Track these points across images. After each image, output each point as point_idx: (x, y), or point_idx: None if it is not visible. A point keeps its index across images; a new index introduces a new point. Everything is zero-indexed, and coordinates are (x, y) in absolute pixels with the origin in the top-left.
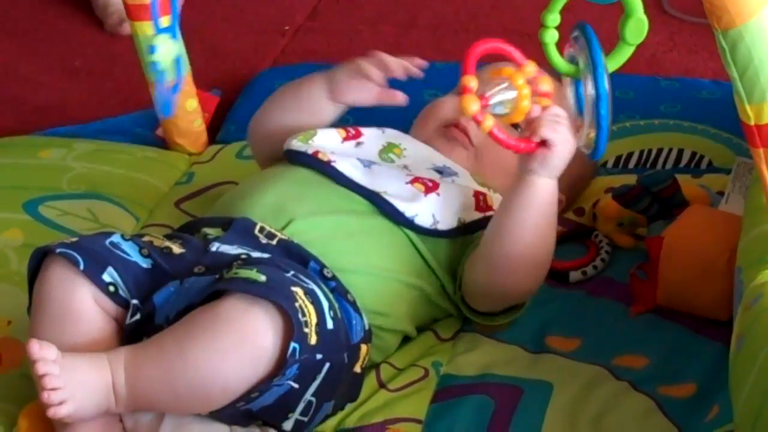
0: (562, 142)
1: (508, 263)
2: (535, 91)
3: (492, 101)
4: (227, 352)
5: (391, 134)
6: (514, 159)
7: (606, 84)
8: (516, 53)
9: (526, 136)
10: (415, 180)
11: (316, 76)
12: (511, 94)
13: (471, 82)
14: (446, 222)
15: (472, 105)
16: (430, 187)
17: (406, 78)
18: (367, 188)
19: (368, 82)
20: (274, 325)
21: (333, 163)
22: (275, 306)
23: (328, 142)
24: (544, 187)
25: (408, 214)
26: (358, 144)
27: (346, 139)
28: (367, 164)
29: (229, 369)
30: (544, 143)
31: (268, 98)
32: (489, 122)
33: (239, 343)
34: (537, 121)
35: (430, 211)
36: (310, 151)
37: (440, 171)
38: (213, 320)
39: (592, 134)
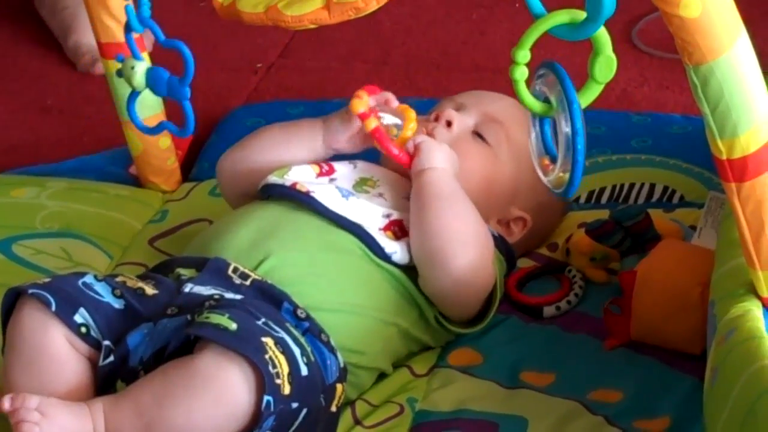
0: (431, 139)
1: (442, 252)
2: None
3: (381, 114)
4: (206, 410)
5: (362, 167)
6: (473, 168)
7: (582, 120)
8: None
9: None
10: (387, 227)
11: (313, 119)
12: (396, 121)
13: (363, 94)
14: None
15: (360, 106)
16: (400, 237)
17: None
18: (349, 219)
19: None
20: (247, 380)
21: (312, 194)
22: (246, 360)
23: (303, 177)
24: (431, 175)
25: (387, 250)
26: (332, 180)
27: (319, 174)
28: (346, 194)
29: (207, 425)
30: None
31: (250, 136)
32: (373, 123)
33: (217, 401)
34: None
35: (406, 251)
36: (287, 184)
37: None
38: (190, 377)
39: (562, 174)
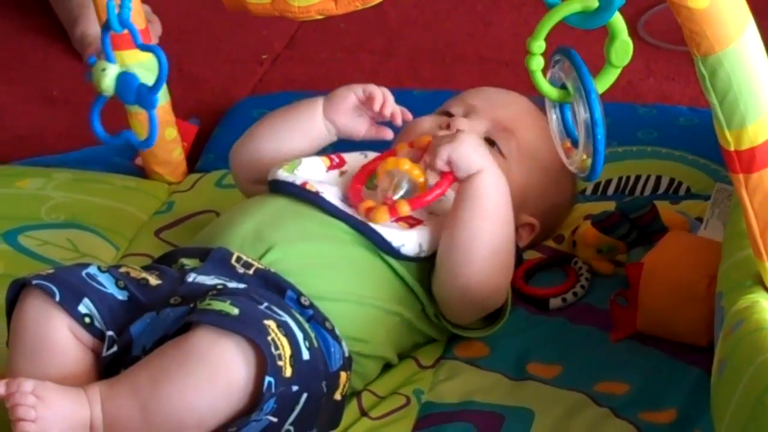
0: (447, 143)
1: (464, 259)
2: (422, 153)
3: (396, 196)
4: (200, 387)
5: (372, 158)
6: None
7: (600, 109)
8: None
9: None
10: (399, 220)
11: (315, 98)
12: (405, 181)
13: (368, 203)
14: (431, 248)
15: (384, 217)
16: (413, 225)
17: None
18: (354, 216)
19: (363, 114)
20: (246, 359)
21: (321, 194)
22: (247, 340)
23: (313, 173)
24: (481, 180)
25: (395, 243)
26: (342, 173)
27: (330, 168)
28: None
29: (203, 403)
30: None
31: (254, 124)
32: (405, 208)
33: (212, 377)
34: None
35: (417, 241)
36: (298, 182)
37: None
38: (184, 355)
39: (585, 157)
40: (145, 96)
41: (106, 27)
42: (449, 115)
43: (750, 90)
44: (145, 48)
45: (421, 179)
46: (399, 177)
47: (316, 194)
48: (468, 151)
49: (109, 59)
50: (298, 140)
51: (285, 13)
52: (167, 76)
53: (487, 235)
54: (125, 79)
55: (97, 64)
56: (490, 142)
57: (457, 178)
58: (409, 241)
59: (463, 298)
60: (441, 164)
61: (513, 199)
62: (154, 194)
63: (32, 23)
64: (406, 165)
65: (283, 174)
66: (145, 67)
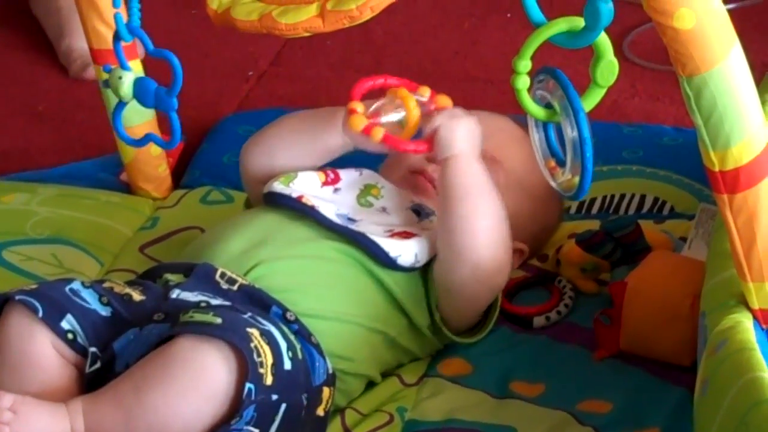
0: (447, 119)
1: (468, 248)
2: (434, 108)
3: (382, 119)
4: (184, 392)
5: (368, 175)
6: None
7: (588, 127)
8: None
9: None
10: (394, 235)
11: (335, 108)
12: (400, 112)
13: (357, 106)
14: (425, 258)
15: (359, 123)
16: (407, 237)
17: None
18: (351, 228)
19: None
20: (228, 364)
21: (317, 208)
22: (229, 345)
23: (308, 187)
24: (453, 165)
25: (392, 254)
26: (336, 190)
27: (325, 183)
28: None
29: (188, 409)
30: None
31: (272, 125)
32: (379, 133)
33: (195, 382)
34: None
35: (413, 251)
36: (294, 195)
37: (418, 211)
38: (167, 362)
39: (571, 176)
40: (163, 99)
41: (116, 37)
42: None
43: (735, 111)
44: (157, 53)
45: (412, 122)
46: (396, 107)
47: (312, 208)
48: (457, 133)
49: (123, 67)
50: (315, 149)
51: (272, 30)
52: (182, 79)
53: (481, 209)
54: (142, 84)
55: (113, 72)
56: None
57: (433, 153)
58: (406, 251)
59: (474, 274)
60: (428, 129)
61: None
62: (139, 210)
63: (17, 38)
64: (411, 102)
65: (279, 186)
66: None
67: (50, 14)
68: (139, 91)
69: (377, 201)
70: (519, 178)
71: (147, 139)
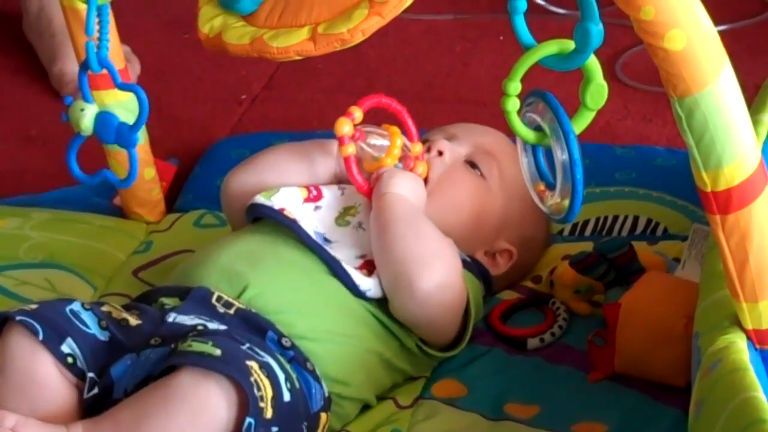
0: (399, 171)
1: (404, 276)
2: (412, 164)
3: (366, 139)
4: (183, 428)
5: (350, 194)
6: (464, 198)
7: (579, 150)
8: (410, 123)
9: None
10: (363, 266)
11: (327, 142)
12: (383, 143)
13: (355, 110)
14: None
15: (345, 126)
16: (371, 272)
17: None
18: (327, 252)
19: None
20: (228, 399)
21: (298, 222)
22: (229, 380)
23: (290, 202)
24: (386, 200)
25: (362, 287)
26: (317, 208)
27: (306, 200)
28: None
29: None
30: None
31: (258, 155)
32: (350, 149)
33: (194, 419)
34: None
35: (379, 286)
36: (276, 207)
37: None
38: (168, 396)
39: (560, 200)
40: (124, 135)
41: (83, 67)
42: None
43: (726, 131)
44: (124, 87)
45: (384, 162)
46: (381, 138)
47: (294, 221)
48: (401, 180)
49: (86, 99)
50: (306, 174)
51: (264, 53)
52: (147, 115)
53: (407, 236)
54: (104, 118)
55: (74, 104)
56: (471, 164)
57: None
58: (374, 286)
59: (415, 301)
60: (375, 175)
61: (493, 223)
62: (132, 234)
63: (10, 62)
64: (396, 145)
65: (260, 199)
66: (124, 106)
67: (43, 38)
68: (101, 126)
69: (354, 218)
70: (512, 176)
71: (101, 175)
